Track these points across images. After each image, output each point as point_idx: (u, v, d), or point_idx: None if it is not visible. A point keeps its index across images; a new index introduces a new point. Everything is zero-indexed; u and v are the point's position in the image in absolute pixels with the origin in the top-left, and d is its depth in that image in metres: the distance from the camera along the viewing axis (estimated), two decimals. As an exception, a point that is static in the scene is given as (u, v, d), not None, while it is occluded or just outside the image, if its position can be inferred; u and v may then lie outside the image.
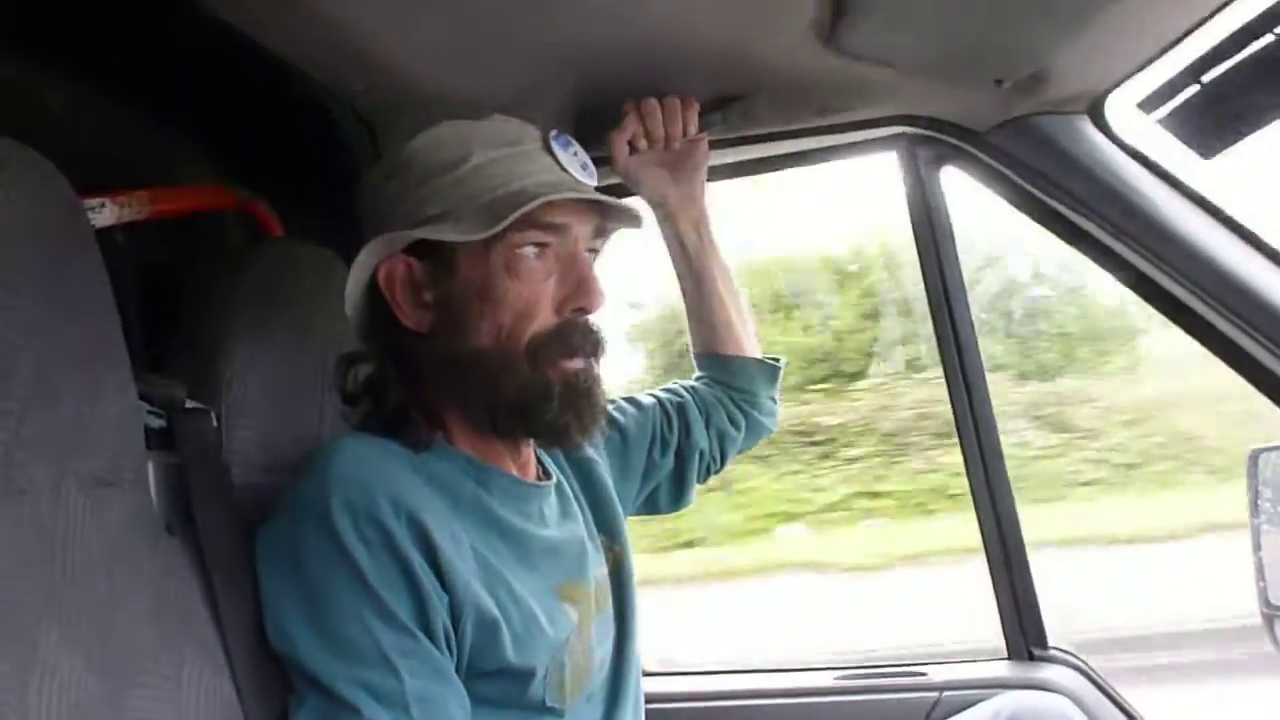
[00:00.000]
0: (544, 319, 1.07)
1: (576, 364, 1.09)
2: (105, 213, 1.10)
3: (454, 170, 1.08)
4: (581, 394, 1.09)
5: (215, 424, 1.09)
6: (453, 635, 0.99)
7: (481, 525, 1.07)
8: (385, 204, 1.10)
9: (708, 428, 1.48)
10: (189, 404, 1.08)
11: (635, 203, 1.36)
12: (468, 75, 1.29)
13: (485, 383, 1.07)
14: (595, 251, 1.14)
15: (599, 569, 1.23)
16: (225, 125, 1.28)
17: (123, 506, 0.92)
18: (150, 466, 0.99)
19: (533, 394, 1.07)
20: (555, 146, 1.12)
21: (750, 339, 1.55)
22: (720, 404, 1.51)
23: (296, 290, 1.22)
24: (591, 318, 1.11)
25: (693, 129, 1.41)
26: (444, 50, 1.25)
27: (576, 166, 1.12)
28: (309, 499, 0.97)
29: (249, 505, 1.05)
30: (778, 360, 1.57)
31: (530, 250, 1.06)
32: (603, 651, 1.19)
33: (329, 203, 1.27)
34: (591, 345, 1.10)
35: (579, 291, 1.08)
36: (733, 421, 1.51)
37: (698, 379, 1.55)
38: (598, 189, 1.13)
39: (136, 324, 0.97)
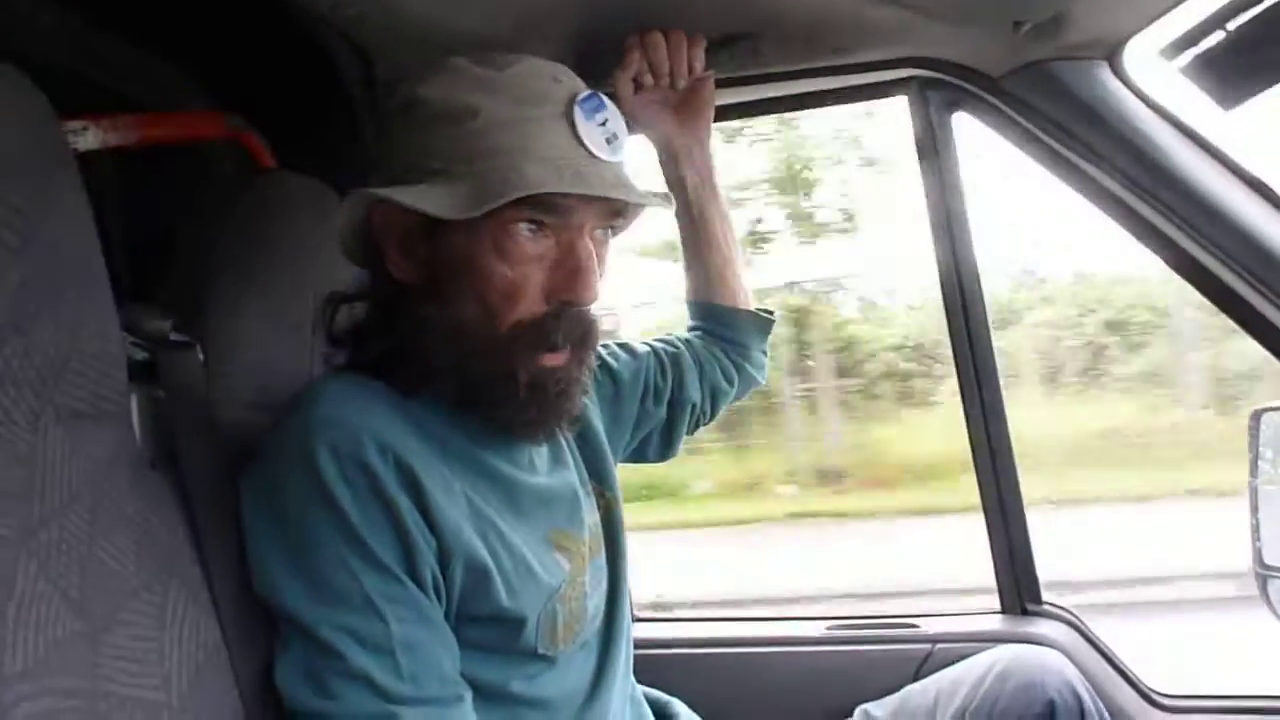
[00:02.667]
0: (530, 305, 1.01)
1: (554, 360, 1.03)
2: (89, 136, 1.06)
3: (459, 125, 0.99)
4: (551, 392, 1.04)
5: (202, 358, 1.07)
6: (441, 581, 0.98)
7: (471, 472, 1.04)
8: (388, 142, 1.05)
9: (700, 380, 1.47)
10: (175, 337, 1.05)
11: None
12: (465, 7, 1.25)
13: (456, 357, 1.02)
14: (614, 229, 1.09)
15: (591, 516, 1.21)
16: (216, 54, 1.24)
17: (104, 440, 0.90)
18: (134, 400, 0.97)
19: (498, 383, 1.02)
20: (579, 114, 1.01)
21: (745, 291, 1.53)
22: (714, 358, 1.49)
23: (288, 224, 1.19)
24: (584, 309, 1.04)
25: (699, 66, 1.38)
26: None
27: (599, 139, 1.01)
28: (293, 442, 0.95)
29: (235, 442, 1.02)
30: (771, 313, 1.55)
31: (525, 229, 0.99)
32: (596, 599, 1.18)
33: (322, 134, 1.24)
34: (579, 337, 1.04)
35: (572, 282, 1.01)
36: (725, 375, 1.50)
37: (690, 329, 1.53)
38: None
39: (122, 253, 0.94)
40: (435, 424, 1.03)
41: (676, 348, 1.47)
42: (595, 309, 1.06)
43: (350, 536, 0.92)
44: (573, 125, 1.00)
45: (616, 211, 1.05)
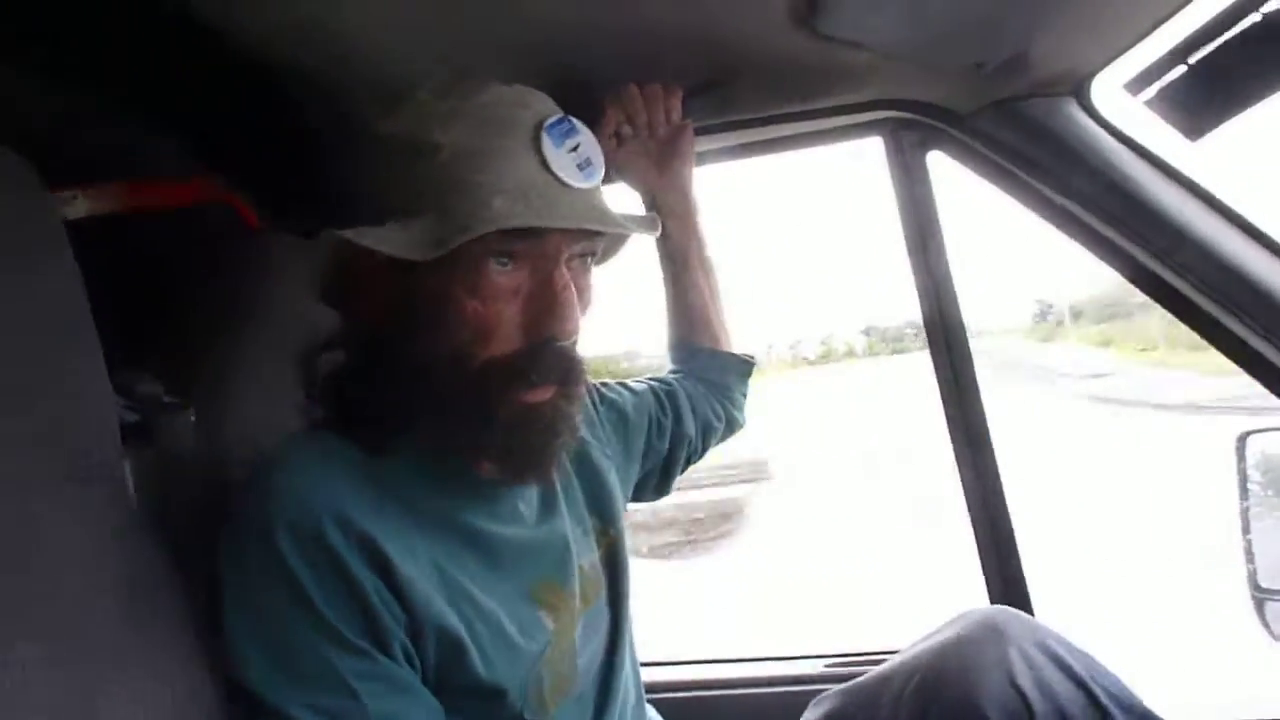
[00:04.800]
0: (505, 343, 0.97)
1: (534, 396, 0.98)
2: (78, 204, 1.09)
3: (423, 161, 0.95)
4: (536, 429, 0.99)
5: (194, 420, 1.08)
6: (414, 652, 0.94)
7: (441, 533, 1.00)
8: (352, 188, 1.02)
9: (694, 417, 1.48)
10: (167, 399, 1.06)
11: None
12: (440, 59, 1.27)
13: (434, 399, 0.98)
14: (592, 255, 1.04)
15: (589, 556, 1.18)
16: (197, 117, 1.26)
17: (98, 504, 0.90)
18: (127, 463, 0.97)
19: (477, 426, 0.97)
20: (548, 141, 0.96)
21: (727, 334, 1.55)
22: (704, 397, 1.50)
23: (276, 284, 1.20)
24: (565, 343, 0.99)
25: (676, 115, 1.40)
26: (416, 39, 1.23)
27: (570, 166, 0.97)
28: (251, 516, 0.91)
29: (226, 504, 1.02)
30: (751, 357, 1.57)
31: (495, 264, 0.95)
32: (591, 649, 1.14)
33: (304, 187, 1.26)
34: (561, 373, 0.99)
35: (548, 316, 0.96)
36: (715, 414, 1.51)
37: (672, 372, 1.53)
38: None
39: (114, 318, 0.95)
40: (404, 484, 0.99)
41: (670, 386, 1.48)
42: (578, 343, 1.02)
43: (315, 616, 0.89)
44: (541, 153, 0.96)
45: (596, 234, 1.01)
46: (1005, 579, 1.74)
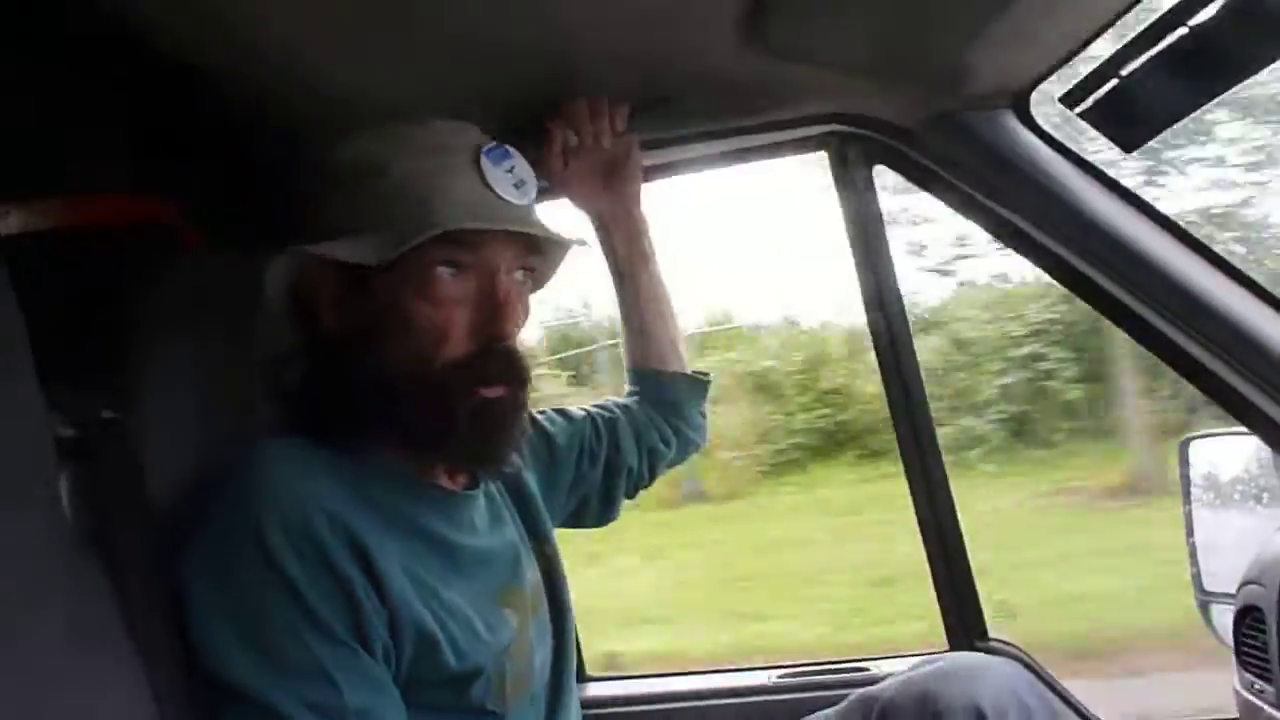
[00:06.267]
0: (457, 345, 1.05)
1: (491, 392, 1.07)
2: (11, 219, 1.07)
3: (371, 182, 1.05)
4: (495, 423, 1.08)
5: (133, 435, 1.06)
6: (391, 649, 0.98)
7: (408, 537, 1.05)
8: (307, 209, 1.09)
9: (638, 444, 1.48)
10: (106, 414, 1.05)
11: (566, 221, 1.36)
12: (389, 80, 1.28)
13: (397, 405, 1.05)
14: (530, 269, 1.12)
15: (533, 573, 1.22)
16: (137, 134, 1.25)
17: (33, 522, 0.88)
18: (63, 479, 0.96)
19: (441, 422, 1.05)
20: (486, 161, 1.07)
21: (680, 354, 1.56)
22: (652, 422, 1.51)
23: (217, 300, 1.19)
24: (512, 344, 1.08)
25: (620, 125, 1.42)
26: (358, 58, 1.24)
27: (507, 185, 1.08)
28: (240, 515, 0.96)
29: (168, 519, 1.01)
30: (706, 376, 1.58)
31: (445, 271, 1.04)
32: (541, 653, 1.19)
33: (245, 208, 1.25)
34: (511, 373, 1.08)
35: (494, 318, 1.05)
36: (663, 439, 1.52)
37: (628, 394, 1.55)
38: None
39: (49, 335, 0.93)
40: (374, 488, 1.04)
41: (613, 413, 1.49)
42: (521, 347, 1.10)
43: (302, 608, 0.93)
44: (481, 172, 1.07)
45: (533, 251, 1.11)
46: (960, 602, 1.76)
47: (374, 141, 1.08)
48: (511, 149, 1.11)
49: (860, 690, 1.38)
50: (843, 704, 1.39)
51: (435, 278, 1.03)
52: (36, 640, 0.83)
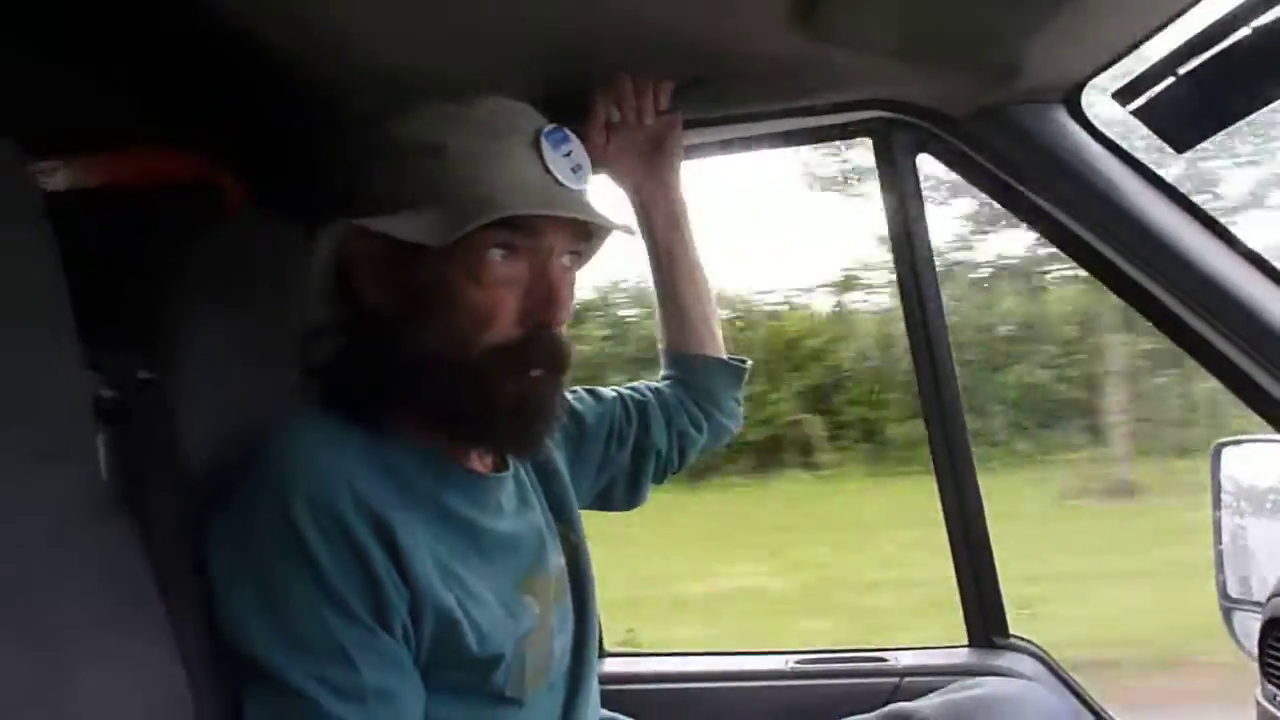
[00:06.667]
0: (504, 329, 1.03)
1: (534, 376, 1.05)
2: (59, 176, 1.07)
3: (428, 159, 1.02)
4: (532, 410, 1.07)
5: (169, 397, 1.06)
6: (411, 631, 0.97)
7: (436, 519, 1.04)
8: (359, 181, 1.06)
9: (668, 428, 1.47)
10: (144, 375, 1.05)
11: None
12: (433, 51, 1.28)
13: (436, 386, 1.03)
14: (578, 254, 1.10)
15: (557, 558, 1.22)
16: (184, 94, 1.25)
17: (68, 480, 0.89)
18: (100, 439, 0.96)
19: (480, 407, 1.04)
20: (546, 144, 1.05)
21: (715, 338, 1.54)
22: (683, 406, 1.49)
23: (259, 264, 1.19)
24: (558, 330, 1.06)
25: (664, 102, 1.41)
26: (409, 30, 1.23)
27: (565, 169, 1.05)
28: (266, 489, 0.95)
29: (204, 482, 1.02)
30: (743, 361, 1.56)
31: (498, 253, 1.01)
32: (562, 639, 1.18)
33: (288, 174, 1.25)
34: (553, 360, 1.07)
35: (545, 304, 1.03)
36: (694, 423, 1.50)
37: (663, 378, 1.53)
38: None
39: (91, 293, 0.94)
40: (402, 467, 1.03)
41: (645, 396, 1.48)
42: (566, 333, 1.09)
43: (324, 586, 0.92)
44: (540, 155, 1.04)
45: (584, 236, 1.09)
46: (982, 597, 1.76)
47: (430, 118, 1.04)
48: (569, 132, 1.08)
49: (895, 706, 1.39)
50: (874, 715, 1.39)
51: (487, 260, 1.01)
52: (68, 600, 0.84)
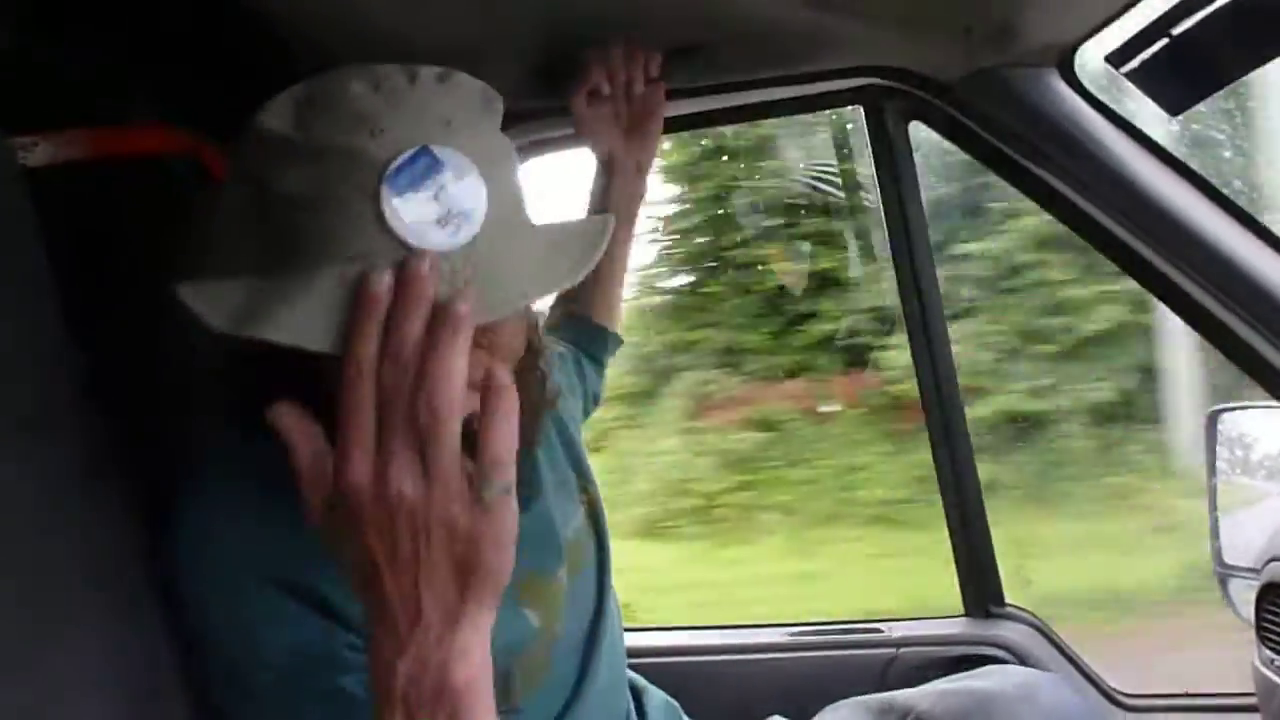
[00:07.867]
0: None
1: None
2: (38, 151, 1.06)
3: (252, 192, 0.79)
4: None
5: (153, 368, 1.06)
6: None
7: None
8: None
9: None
10: (131, 345, 1.04)
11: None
12: (427, 19, 1.25)
13: None
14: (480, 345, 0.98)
15: (573, 523, 1.18)
16: (169, 64, 1.24)
17: (50, 451, 0.88)
18: (82, 410, 0.95)
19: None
20: (388, 191, 0.71)
21: (621, 315, 1.57)
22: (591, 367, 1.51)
23: None
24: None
25: (653, 72, 1.39)
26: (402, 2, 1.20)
27: (426, 220, 0.72)
28: (183, 545, 0.91)
29: (186, 453, 1.01)
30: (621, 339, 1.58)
31: None
32: (575, 625, 1.13)
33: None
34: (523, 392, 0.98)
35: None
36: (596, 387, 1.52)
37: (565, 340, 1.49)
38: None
39: (73, 265, 0.93)
40: None
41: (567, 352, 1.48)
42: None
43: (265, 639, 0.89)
44: (380, 209, 0.71)
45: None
46: (978, 567, 1.76)
47: (278, 123, 0.81)
48: (450, 152, 0.74)
49: (892, 695, 1.40)
50: (873, 700, 1.40)
51: None
52: (52, 569, 0.84)
